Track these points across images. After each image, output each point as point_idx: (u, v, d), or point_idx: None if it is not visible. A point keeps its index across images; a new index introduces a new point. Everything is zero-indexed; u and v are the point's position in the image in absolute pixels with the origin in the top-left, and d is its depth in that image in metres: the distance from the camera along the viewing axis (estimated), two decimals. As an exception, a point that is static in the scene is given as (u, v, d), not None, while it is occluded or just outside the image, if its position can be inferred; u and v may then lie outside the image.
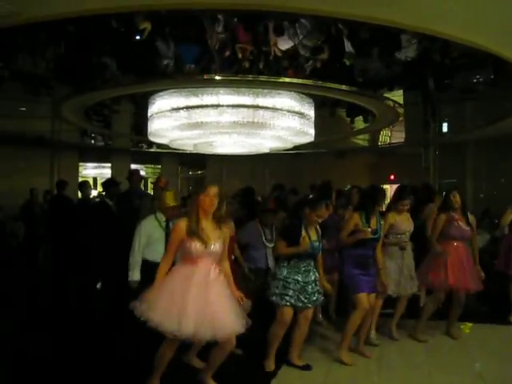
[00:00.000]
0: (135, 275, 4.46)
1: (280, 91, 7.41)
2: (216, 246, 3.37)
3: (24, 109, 11.25)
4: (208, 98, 7.24)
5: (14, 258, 8.49)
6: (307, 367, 4.19)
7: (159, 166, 16.19)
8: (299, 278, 4.08)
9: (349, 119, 10.67)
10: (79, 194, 9.02)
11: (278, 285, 4.08)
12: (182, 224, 3.36)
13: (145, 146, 13.91)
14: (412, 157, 13.15)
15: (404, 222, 4.95)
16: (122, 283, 5.98)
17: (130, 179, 6.53)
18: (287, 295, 4.04)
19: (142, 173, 17.25)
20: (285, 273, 4.09)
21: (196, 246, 3.30)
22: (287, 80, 6.61)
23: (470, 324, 5.56)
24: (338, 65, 7.86)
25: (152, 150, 13.62)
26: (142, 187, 10.69)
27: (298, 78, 6.70)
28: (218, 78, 6.47)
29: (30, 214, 9.07)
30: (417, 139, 12.47)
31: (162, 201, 4.56)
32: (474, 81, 9.09)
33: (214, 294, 3.31)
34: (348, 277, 4.48)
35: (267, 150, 9.33)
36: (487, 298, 6.10)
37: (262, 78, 6.45)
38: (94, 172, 15.50)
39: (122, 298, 5.78)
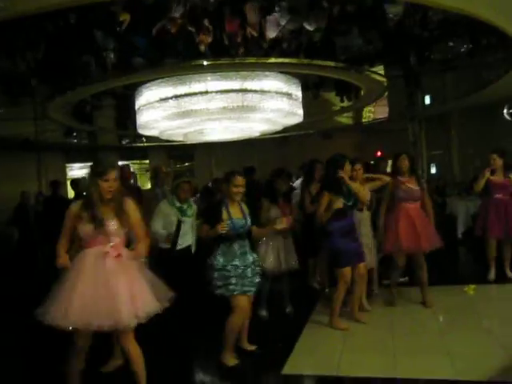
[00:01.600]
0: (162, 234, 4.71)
1: (267, 73, 7.42)
2: (112, 226, 3.18)
3: (1, 111, 11.06)
4: (196, 86, 7.23)
5: (9, 262, 8.40)
6: (255, 352, 4.16)
7: (147, 161, 16.12)
8: (237, 263, 3.89)
9: (338, 98, 10.74)
10: (71, 194, 8.98)
11: (218, 276, 3.86)
12: (74, 208, 3.21)
13: (129, 141, 13.85)
14: (397, 132, 13.28)
15: (361, 190, 4.91)
16: None
17: (120, 176, 6.50)
18: (231, 284, 3.83)
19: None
20: (221, 261, 3.88)
21: (87, 228, 3.14)
22: (274, 60, 6.61)
23: (473, 285, 5.71)
24: (321, 43, 7.94)
25: (139, 144, 13.54)
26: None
27: (285, 57, 6.71)
28: (205, 63, 6.46)
29: (23, 217, 9.00)
30: (401, 114, 12.57)
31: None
32: (453, 51, 9.23)
33: (112, 278, 3.07)
34: (334, 250, 4.55)
35: (257, 134, 9.35)
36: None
37: (250, 59, 6.45)
38: (82, 172, 15.38)
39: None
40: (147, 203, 5.89)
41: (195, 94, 7.27)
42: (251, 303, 4.06)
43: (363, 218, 5.11)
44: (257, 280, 4.01)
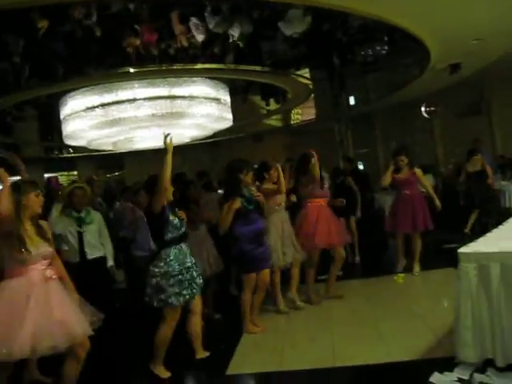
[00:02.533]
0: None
1: (194, 79, 7.45)
2: (45, 247, 3.13)
3: None
4: (123, 93, 7.13)
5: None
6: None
7: (75, 172, 15.57)
8: (189, 265, 3.81)
9: (264, 102, 10.95)
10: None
11: (173, 283, 3.67)
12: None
13: (57, 153, 13.36)
14: (325, 132, 13.72)
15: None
16: None
17: (47, 188, 6.27)
18: (185, 289, 3.71)
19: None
20: (177, 266, 3.72)
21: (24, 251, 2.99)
22: (201, 66, 6.66)
23: (402, 275, 6.06)
24: (247, 49, 8.09)
25: (66, 155, 13.08)
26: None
27: (212, 63, 6.78)
28: (132, 70, 6.39)
29: None
30: (327, 115, 13.00)
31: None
32: (373, 54, 9.70)
33: (53, 300, 3.01)
34: (240, 256, 4.56)
35: (188, 140, 9.34)
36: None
37: (177, 66, 6.46)
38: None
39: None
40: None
41: (123, 101, 7.17)
42: (203, 304, 4.12)
43: (286, 218, 5.21)
44: (200, 281, 3.93)
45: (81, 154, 13.27)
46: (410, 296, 5.39)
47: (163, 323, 3.75)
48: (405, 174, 6.18)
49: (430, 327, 4.25)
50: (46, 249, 3.15)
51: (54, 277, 3.11)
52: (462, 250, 3.42)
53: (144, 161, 14.50)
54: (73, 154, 13.18)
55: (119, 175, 16.11)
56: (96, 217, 4.80)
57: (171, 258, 3.71)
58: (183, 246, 3.84)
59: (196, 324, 4.01)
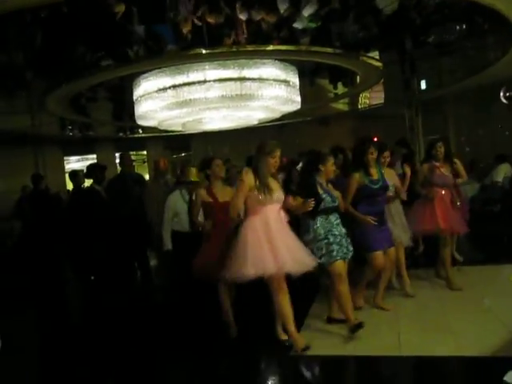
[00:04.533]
0: (167, 245, 5.08)
1: (264, 61, 7.43)
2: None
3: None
4: (194, 75, 7.24)
5: (11, 256, 8.44)
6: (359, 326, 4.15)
7: (144, 152, 16.10)
8: (336, 232, 4.17)
9: (332, 85, 10.80)
10: (69, 186, 8.96)
11: (321, 246, 4.12)
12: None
13: (128, 133, 13.86)
14: (393, 117, 13.32)
15: (387, 175, 4.96)
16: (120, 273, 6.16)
17: (121, 163, 6.54)
18: (333, 251, 4.10)
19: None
20: (322, 232, 4.15)
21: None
22: (273, 48, 6.63)
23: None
24: (317, 30, 7.97)
25: (136, 135, 13.54)
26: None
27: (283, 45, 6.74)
28: (204, 51, 6.46)
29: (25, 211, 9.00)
30: (396, 99, 12.61)
31: (187, 177, 4.92)
32: (449, 35, 9.26)
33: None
34: (360, 234, 4.51)
35: (256, 122, 9.38)
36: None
37: (249, 47, 6.47)
38: (79, 165, 15.33)
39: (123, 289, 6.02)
40: (150, 193, 5.97)
41: (193, 83, 7.28)
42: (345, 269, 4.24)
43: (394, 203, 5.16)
44: (351, 248, 4.23)
45: (149, 135, 13.68)
46: (479, 289, 5.16)
47: (334, 282, 4.16)
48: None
49: (502, 323, 4.07)
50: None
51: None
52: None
53: (210, 142, 14.78)
54: (142, 135, 13.59)
55: (186, 155, 16.48)
56: None
57: (317, 225, 4.17)
58: (332, 216, 4.21)
59: (344, 290, 4.17)
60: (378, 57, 9.59)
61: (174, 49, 7.04)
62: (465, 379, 3.35)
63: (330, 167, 4.26)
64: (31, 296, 6.00)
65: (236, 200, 3.73)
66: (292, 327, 3.84)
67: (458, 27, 9.13)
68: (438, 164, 5.25)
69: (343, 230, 4.24)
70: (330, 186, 4.33)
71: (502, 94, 10.59)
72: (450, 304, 4.75)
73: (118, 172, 6.99)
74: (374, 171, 4.60)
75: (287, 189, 4.61)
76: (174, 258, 5.30)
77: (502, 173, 9.21)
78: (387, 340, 3.98)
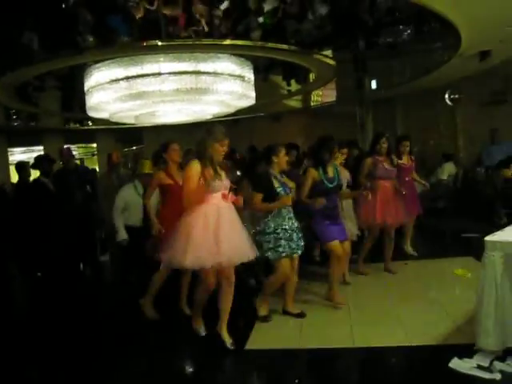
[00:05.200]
0: (122, 235, 4.80)
1: (220, 56, 7.39)
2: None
3: None
4: (148, 67, 7.10)
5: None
6: (301, 315, 4.46)
7: (94, 145, 15.65)
8: (286, 227, 4.22)
9: (285, 82, 10.87)
10: (14, 178, 8.60)
11: (269, 239, 4.20)
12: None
13: (77, 125, 13.43)
14: (345, 115, 13.59)
15: (341, 172, 5.18)
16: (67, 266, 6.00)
17: (60, 157, 6.33)
18: (280, 246, 4.18)
19: (74, 152, 16.68)
20: (272, 225, 4.20)
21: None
22: (229, 42, 6.62)
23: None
24: (272, 27, 8.03)
25: (86, 127, 13.15)
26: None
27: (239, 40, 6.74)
28: (160, 43, 6.36)
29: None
30: (348, 97, 12.86)
31: (139, 169, 4.83)
32: (399, 37, 9.57)
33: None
34: (319, 228, 4.64)
35: (210, 117, 9.33)
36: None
37: (205, 41, 6.42)
38: (24, 157, 14.71)
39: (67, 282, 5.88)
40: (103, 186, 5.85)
41: (147, 75, 7.14)
42: (296, 268, 4.38)
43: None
44: (302, 243, 4.31)
45: (100, 127, 13.31)
46: (426, 282, 5.40)
47: (275, 275, 4.27)
48: (407, 161, 6.15)
49: (447, 313, 4.28)
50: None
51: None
52: (488, 238, 3.41)
53: (162, 135, 14.55)
54: (92, 127, 13.21)
55: (137, 149, 16.16)
56: None
57: (269, 218, 4.23)
58: (284, 210, 4.24)
59: (288, 283, 4.39)
60: (331, 55, 9.75)
61: (128, 40, 6.90)
62: (414, 367, 3.48)
63: (282, 158, 4.30)
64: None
65: (189, 190, 3.60)
66: (225, 323, 3.89)
67: (406, 30, 9.46)
68: (380, 158, 5.46)
69: (295, 225, 4.30)
70: (284, 177, 4.38)
71: (446, 96, 11.04)
72: (399, 296, 4.94)
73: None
74: (330, 169, 4.71)
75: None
76: (124, 253, 5.21)
77: (446, 171, 9.64)
78: (340, 332, 4.09)
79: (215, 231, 3.55)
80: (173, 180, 4.43)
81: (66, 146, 11.22)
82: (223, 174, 3.75)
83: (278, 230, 4.18)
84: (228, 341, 3.87)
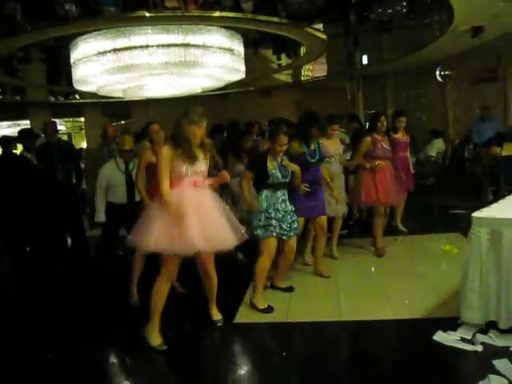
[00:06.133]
0: (101, 217, 4.81)
1: (209, 28, 7.28)
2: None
3: None
4: (136, 39, 6.97)
5: None
6: (290, 289, 4.52)
7: (81, 119, 15.44)
8: (279, 208, 4.17)
9: (275, 56, 10.75)
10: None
11: (260, 217, 4.13)
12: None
13: (63, 99, 13.22)
14: (335, 90, 13.52)
15: (332, 146, 5.31)
16: (52, 240, 5.94)
17: (44, 131, 6.17)
18: (271, 225, 4.11)
19: (62, 127, 16.43)
20: (265, 205, 4.15)
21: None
22: (218, 14, 6.49)
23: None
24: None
25: (73, 101, 12.94)
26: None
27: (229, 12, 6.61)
28: (148, 15, 6.22)
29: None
30: (339, 72, 12.77)
31: (121, 145, 4.72)
32: (390, 12, 9.44)
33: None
34: (294, 203, 4.51)
35: (199, 90, 9.22)
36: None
37: (194, 12, 6.29)
38: (10, 131, 14.48)
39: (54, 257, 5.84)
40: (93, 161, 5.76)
41: (135, 47, 7.01)
42: (293, 248, 4.33)
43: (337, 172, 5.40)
44: (295, 226, 4.24)
45: (88, 101, 13.12)
46: (414, 257, 5.47)
47: (260, 256, 4.17)
48: (403, 137, 6.15)
49: (433, 287, 4.34)
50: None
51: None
52: (475, 214, 3.44)
53: (151, 109, 14.39)
54: (80, 100, 13.01)
55: (126, 123, 15.98)
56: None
57: (262, 197, 4.17)
58: (279, 192, 4.19)
59: (282, 261, 4.43)
60: (322, 29, 9.62)
61: (114, 10, 6.72)
62: (400, 340, 3.55)
63: (278, 146, 4.14)
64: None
65: (161, 177, 3.42)
66: (214, 303, 3.90)
67: (399, 4, 9.32)
68: (379, 137, 5.46)
69: (289, 208, 4.24)
70: (285, 160, 4.24)
71: (437, 72, 10.98)
72: (387, 271, 5.01)
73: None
74: (313, 144, 4.71)
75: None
76: (108, 230, 5.12)
77: (435, 148, 9.66)
78: (328, 306, 4.14)
79: (183, 218, 3.32)
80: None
81: (50, 120, 11.06)
82: (201, 156, 3.54)
83: (270, 210, 4.12)
84: (217, 318, 3.91)
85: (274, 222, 4.11)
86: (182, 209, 3.34)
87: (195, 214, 3.38)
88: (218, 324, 3.89)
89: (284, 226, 4.16)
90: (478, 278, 3.36)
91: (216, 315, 3.93)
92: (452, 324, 3.46)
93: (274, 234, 4.12)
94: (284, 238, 4.20)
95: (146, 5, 6.20)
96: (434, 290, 4.29)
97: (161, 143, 4.35)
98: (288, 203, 4.26)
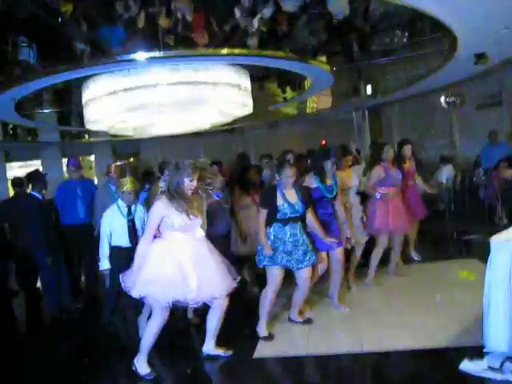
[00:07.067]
0: (104, 264, 4.62)
1: (216, 65, 7.42)
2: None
3: None
4: (146, 78, 7.11)
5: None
6: (309, 321, 4.45)
7: (91, 158, 15.63)
8: (287, 241, 4.14)
9: (280, 90, 10.91)
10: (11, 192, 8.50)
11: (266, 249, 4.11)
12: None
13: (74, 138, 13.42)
14: (341, 121, 13.65)
15: (348, 178, 5.30)
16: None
17: (67, 168, 6.24)
18: (277, 257, 4.12)
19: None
20: (272, 238, 4.15)
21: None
22: (226, 51, 6.64)
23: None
24: (267, 34, 8.05)
25: (83, 140, 13.14)
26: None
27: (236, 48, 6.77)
28: (159, 54, 6.36)
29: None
30: (344, 104, 12.91)
31: (121, 186, 4.63)
32: (393, 43, 9.64)
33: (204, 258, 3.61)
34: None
35: (208, 126, 9.34)
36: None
37: (203, 51, 6.44)
38: (22, 171, 14.65)
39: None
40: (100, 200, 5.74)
41: (146, 86, 7.14)
42: (307, 279, 4.27)
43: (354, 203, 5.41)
44: (307, 258, 4.17)
45: (97, 139, 13.31)
46: (431, 285, 5.39)
47: (267, 285, 4.21)
48: (410, 166, 6.16)
49: (454, 315, 4.26)
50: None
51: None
52: (494, 239, 3.41)
53: (158, 146, 14.57)
54: (90, 139, 13.21)
55: (134, 160, 16.14)
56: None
57: (270, 230, 4.19)
58: (287, 227, 4.16)
59: (296, 294, 4.38)
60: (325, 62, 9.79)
61: (123, 51, 6.90)
62: (424, 371, 3.46)
63: (285, 177, 4.15)
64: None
65: (149, 231, 3.62)
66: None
67: (401, 36, 9.52)
68: (388, 166, 5.49)
69: (301, 240, 4.18)
70: (289, 191, 4.21)
71: (442, 99, 11.08)
72: (405, 300, 4.94)
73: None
74: (329, 178, 4.67)
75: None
76: (112, 276, 5.00)
77: (445, 174, 9.66)
78: (348, 337, 4.07)
79: (175, 266, 3.49)
80: None
81: (74, 157, 11.17)
82: (195, 208, 3.69)
83: (277, 242, 4.13)
84: (222, 351, 3.91)
85: (280, 253, 4.11)
86: (177, 259, 3.49)
87: (188, 264, 3.50)
88: (223, 355, 3.90)
89: (290, 259, 4.13)
90: (501, 304, 3.29)
91: (218, 350, 3.94)
92: (477, 352, 3.37)
93: (278, 264, 4.12)
94: (292, 269, 4.18)
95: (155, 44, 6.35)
96: (454, 317, 4.21)
97: None
98: (300, 235, 4.20)
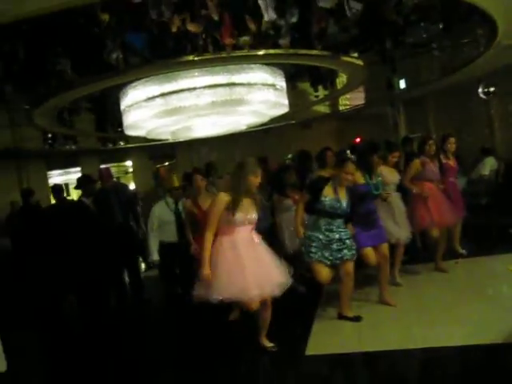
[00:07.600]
0: (154, 256, 4.79)
1: (252, 66, 7.48)
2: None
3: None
4: (183, 82, 7.23)
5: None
6: (358, 318, 4.43)
7: (127, 164, 15.95)
8: (320, 236, 4.24)
9: (313, 88, 10.89)
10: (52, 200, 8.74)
11: (304, 243, 4.29)
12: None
13: (111, 145, 13.70)
14: (375, 117, 13.50)
15: (391, 174, 5.26)
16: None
17: (100, 178, 6.37)
18: (311, 252, 4.23)
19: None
20: (308, 231, 4.30)
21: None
22: (263, 52, 6.69)
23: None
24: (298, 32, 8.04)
25: (120, 146, 13.41)
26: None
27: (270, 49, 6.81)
28: (196, 58, 6.46)
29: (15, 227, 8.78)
30: (377, 99, 12.78)
31: (170, 184, 4.84)
32: (427, 34, 9.47)
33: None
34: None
35: (244, 127, 9.41)
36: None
37: (239, 53, 6.51)
38: (62, 179, 15.06)
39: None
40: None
41: (182, 90, 7.27)
42: (349, 273, 4.31)
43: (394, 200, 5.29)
44: (339, 255, 4.22)
45: (133, 145, 13.57)
46: (480, 280, 5.29)
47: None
48: (453, 161, 6.03)
49: (508, 309, 4.16)
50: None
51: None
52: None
53: (194, 149, 14.74)
54: (127, 145, 13.47)
55: (170, 165, 16.37)
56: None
57: (307, 223, 4.37)
58: (322, 221, 4.26)
59: (341, 287, 4.42)
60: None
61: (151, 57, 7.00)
62: (478, 367, 3.40)
63: (344, 174, 4.22)
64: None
65: (210, 221, 3.65)
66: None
67: (434, 26, 9.35)
68: (428, 160, 5.42)
69: (336, 236, 4.23)
70: (342, 191, 4.27)
71: (480, 89, 10.83)
72: (454, 296, 4.86)
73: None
74: (375, 175, 4.73)
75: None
76: (160, 270, 5.21)
77: (487, 166, 9.44)
78: (397, 334, 4.04)
79: (238, 265, 3.56)
80: (198, 208, 4.48)
81: (104, 168, 11.45)
82: (253, 207, 3.74)
83: (312, 237, 4.24)
84: (268, 345, 3.94)
85: (313, 248, 4.22)
86: (237, 256, 3.55)
87: (250, 261, 3.57)
88: (273, 349, 3.92)
89: (326, 254, 4.20)
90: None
91: (268, 343, 3.97)
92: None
93: (314, 259, 4.21)
94: (328, 263, 4.22)
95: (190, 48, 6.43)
96: (508, 312, 4.12)
97: (202, 189, 4.50)
98: (336, 231, 4.25)
